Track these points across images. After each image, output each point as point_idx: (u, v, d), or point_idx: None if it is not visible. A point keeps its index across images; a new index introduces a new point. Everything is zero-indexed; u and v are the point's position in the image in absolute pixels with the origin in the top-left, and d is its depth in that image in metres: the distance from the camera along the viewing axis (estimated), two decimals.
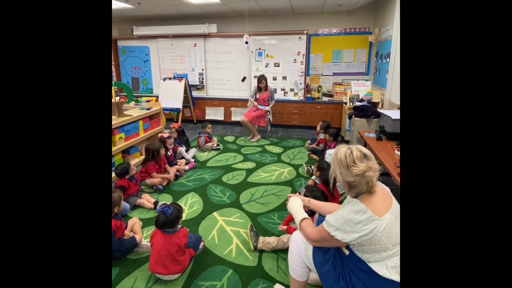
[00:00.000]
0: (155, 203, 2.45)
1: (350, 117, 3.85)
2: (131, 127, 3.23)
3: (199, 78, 5.69)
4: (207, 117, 5.61)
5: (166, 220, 1.65)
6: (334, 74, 5.38)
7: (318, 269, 1.21)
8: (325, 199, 1.93)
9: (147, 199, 2.52)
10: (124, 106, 3.27)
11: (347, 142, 4.05)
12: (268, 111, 4.53)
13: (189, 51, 5.57)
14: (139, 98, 4.46)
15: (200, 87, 5.72)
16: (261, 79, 4.44)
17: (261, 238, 1.90)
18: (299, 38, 5.03)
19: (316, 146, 3.84)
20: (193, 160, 3.56)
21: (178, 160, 3.43)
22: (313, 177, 2.56)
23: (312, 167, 3.14)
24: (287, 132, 5.14)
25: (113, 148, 2.92)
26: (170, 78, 5.29)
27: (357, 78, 5.16)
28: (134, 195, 2.55)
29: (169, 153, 3.30)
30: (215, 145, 4.07)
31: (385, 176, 2.15)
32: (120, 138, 3.05)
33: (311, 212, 1.51)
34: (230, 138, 4.65)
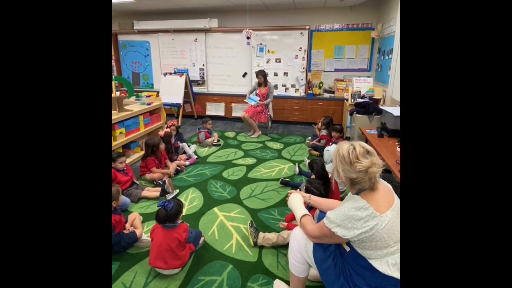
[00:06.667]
0: (163, 189, 2.51)
1: (351, 114, 3.83)
2: (132, 122, 3.23)
3: (199, 74, 5.66)
4: (207, 113, 5.59)
5: (167, 215, 1.65)
6: (336, 70, 5.35)
7: (319, 265, 1.21)
8: (326, 190, 1.92)
9: (150, 190, 2.56)
10: (124, 101, 3.25)
11: (348, 139, 4.03)
12: (267, 105, 4.51)
13: (190, 46, 5.53)
14: (139, 93, 4.45)
15: (201, 82, 5.70)
16: (258, 74, 4.43)
17: (261, 234, 1.90)
18: (301, 33, 4.99)
19: (317, 143, 3.83)
20: (195, 156, 3.55)
21: (179, 156, 3.43)
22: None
23: None
24: (288, 128, 5.13)
25: (114, 143, 2.91)
26: (170, 73, 5.26)
27: (359, 74, 5.13)
28: (133, 188, 2.55)
29: (172, 142, 3.32)
30: (215, 141, 4.06)
31: (386, 173, 2.14)
32: (121, 133, 3.04)
33: (311, 207, 1.50)
34: (230, 134, 4.64)
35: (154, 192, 2.53)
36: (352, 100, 4.20)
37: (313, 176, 2.29)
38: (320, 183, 1.95)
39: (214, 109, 5.63)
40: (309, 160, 2.73)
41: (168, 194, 2.51)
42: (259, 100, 4.44)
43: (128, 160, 2.95)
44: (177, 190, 2.63)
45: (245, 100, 4.56)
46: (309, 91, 5.22)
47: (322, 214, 1.29)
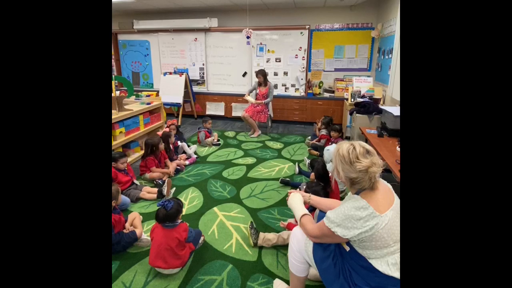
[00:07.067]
0: (159, 191, 2.49)
1: (351, 114, 3.83)
2: (132, 122, 3.23)
3: (199, 73, 5.66)
4: (207, 112, 5.59)
5: (167, 214, 1.65)
6: (336, 69, 5.35)
7: (318, 265, 1.21)
8: (325, 194, 1.92)
9: (147, 191, 2.53)
10: (124, 101, 3.26)
11: (347, 138, 4.03)
12: (266, 105, 4.51)
13: (190, 45, 5.53)
14: (139, 93, 4.45)
15: (201, 82, 5.69)
16: (257, 73, 4.42)
17: (261, 235, 1.90)
18: (301, 33, 4.99)
19: (317, 142, 3.83)
20: (195, 156, 3.55)
21: (179, 155, 3.42)
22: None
23: None
24: (287, 128, 5.13)
25: (114, 143, 2.91)
26: (170, 73, 5.26)
27: (359, 74, 5.13)
28: (132, 188, 2.55)
29: (172, 142, 3.30)
30: (215, 140, 4.06)
31: (386, 173, 2.14)
32: (121, 132, 3.04)
33: (312, 208, 1.50)
34: (230, 134, 4.64)
35: (152, 194, 2.51)
36: (352, 100, 4.20)
37: (312, 175, 2.29)
38: (319, 187, 1.95)
39: (214, 108, 5.62)
40: (310, 160, 2.73)
41: (164, 198, 2.47)
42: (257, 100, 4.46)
43: (128, 160, 2.95)
44: (174, 189, 2.62)
45: (244, 97, 4.57)
46: (309, 91, 5.22)
47: (322, 213, 1.29)
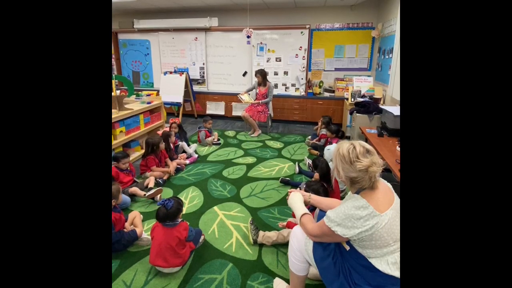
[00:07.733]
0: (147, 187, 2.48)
1: (351, 113, 3.84)
2: (132, 121, 3.23)
3: (200, 72, 5.66)
4: (208, 112, 5.59)
5: (167, 213, 1.65)
6: (336, 69, 5.35)
7: (318, 264, 1.21)
8: (325, 192, 1.93)
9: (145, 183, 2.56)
10: (124, 100, 3.26)
11: (348, 138, 4.03)
12: (267, 105, 4.51)
13: (190, 45, 5.53)
14: (139, 92, 4.45)
15: (201, 81, 5.69)
16: (256, 73, 4.44)
17: (261, 232, 1.90)
18: (301, 32, 4.99)
19: (317, 142, 3.83)
20: (196, 155, 3.55)
21: (179, 155, 3.42)
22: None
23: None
24: (288, 127, 5.13)
25: (114, 142, 2.92)
26: (171, 72, 5.25)
27: (359, 73, 5.13)
28: (130, 186, 2.55)
29: (173, 141, 3.30)
30: (215, 140, 4.06)
31: (386, 172, 2.15)
32: (121, 131, 3.05)
33: (312, 208, 1.51)
34: (231, 133, 4.64)
35: (141, 192, 2.48)
36: (352, 100, 4.20)
37: (316, 174, 2.29)
38: (319, 185, 1.96)
39: (214, 108, 5.62)
40: (311, 159, 2.73)
41: (149, 192, 2.44)
42: (255, 99, 4.47)
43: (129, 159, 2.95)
44: (159, 196, 2.53)
45: (238, 96, 4.59)
46: (309, 90, 5.22)
47: (322, 213, 1.29)
